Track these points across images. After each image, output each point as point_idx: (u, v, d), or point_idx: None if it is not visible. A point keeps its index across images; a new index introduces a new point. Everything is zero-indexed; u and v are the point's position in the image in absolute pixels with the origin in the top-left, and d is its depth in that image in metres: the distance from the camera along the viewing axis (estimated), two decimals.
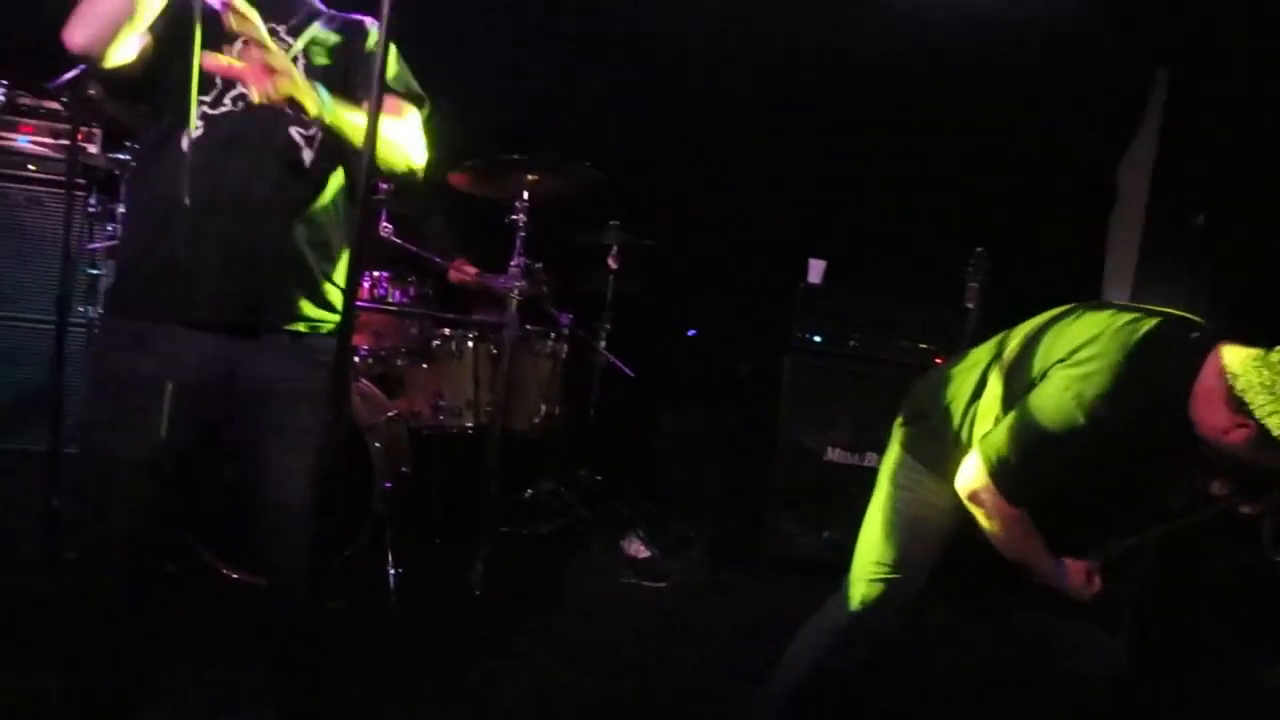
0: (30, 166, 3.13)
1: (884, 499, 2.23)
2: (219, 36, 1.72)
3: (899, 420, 2.30)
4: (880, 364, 4.18)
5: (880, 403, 3.62)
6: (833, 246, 4.51)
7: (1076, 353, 1.89)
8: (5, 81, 3.14)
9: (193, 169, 1.73)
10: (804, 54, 4.66)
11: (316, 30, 1.93)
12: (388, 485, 3.26)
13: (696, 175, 4.77)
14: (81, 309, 3.09)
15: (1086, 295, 4.98)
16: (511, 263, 3.66)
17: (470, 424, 3.79)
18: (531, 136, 4.24)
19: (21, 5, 3.46)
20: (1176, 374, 1.85)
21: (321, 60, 1.91)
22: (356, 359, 3.59)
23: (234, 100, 1.82)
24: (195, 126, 1.76)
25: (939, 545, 2.16)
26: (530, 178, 3.65)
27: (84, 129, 3.12)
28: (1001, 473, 1.91)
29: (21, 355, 3.10)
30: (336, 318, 1.91)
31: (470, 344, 3.82)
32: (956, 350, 3.96)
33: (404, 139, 1.93)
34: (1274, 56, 4.25)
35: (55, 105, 3.16)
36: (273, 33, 1.86)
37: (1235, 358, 1.79)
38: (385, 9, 1.46)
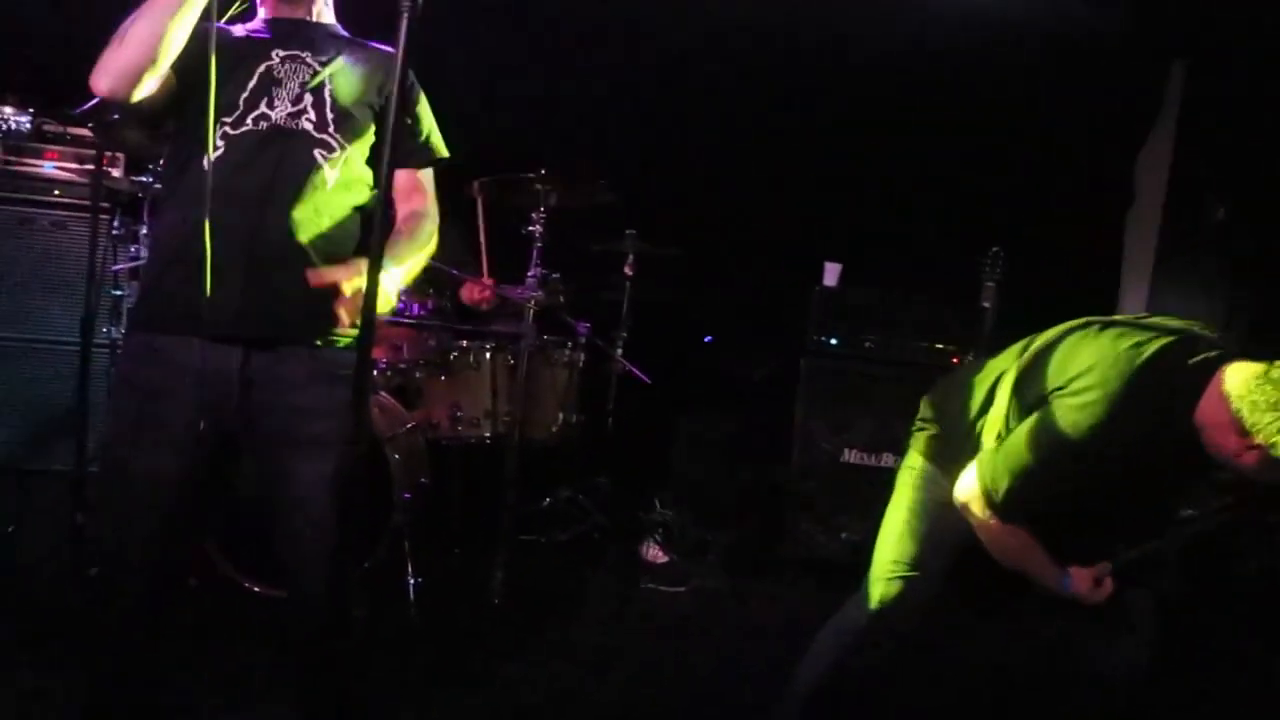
0: (56, 192, 3.23)
1: (901, 500, 2.26)
2: (235, 63, 1.83)
3: (917, 423, 2.33)
4: (896, 365, 4.20)
5: (897, 404, 3.62)
6: (848, 249, 4.53)
7: (1074, 381, 1.91)
8: (31, 110, 3.23)
9: (214, 188, 1.79)
10: (812, 55, 4.66)
11: (341, 64, 1.97)
12: (407, 496, 3.31)
13: (711, 182, 4.78)
14: (105, 330, 3.16)
15: (1104, 294, 5.04)
16: (529, 273, 3.71)
17: (488, 434, 3.82)
18: (545, 145, 4.30)
19: (45, 34, 3.55)
20: (1179, 398, 1.86)
21: (346, 91, 1.95)
22: (375, 372, 3.64)
23: (255, 120, 1.87)
24: (216, 147, 1.82)
25: (956, 546, 2.17)
26: (545, 188, 3.71)
27: (108, 154, 3.19)
28: (993, 492, 1.96)
29: (47, 376, 3.18)
30: (355, 331, 1.94)
31: (488, 355, 3.86)
32: (973, 350, 4.00)
33: (424, 254, 2.07)
34: None
35: (80, 131, 3.24)
36: (299, 60, 1.92)
37: (1237, 378, 1.79)
38: (400, 59, 1.53)
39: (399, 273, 1.95)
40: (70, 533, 2.95)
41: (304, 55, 1.93)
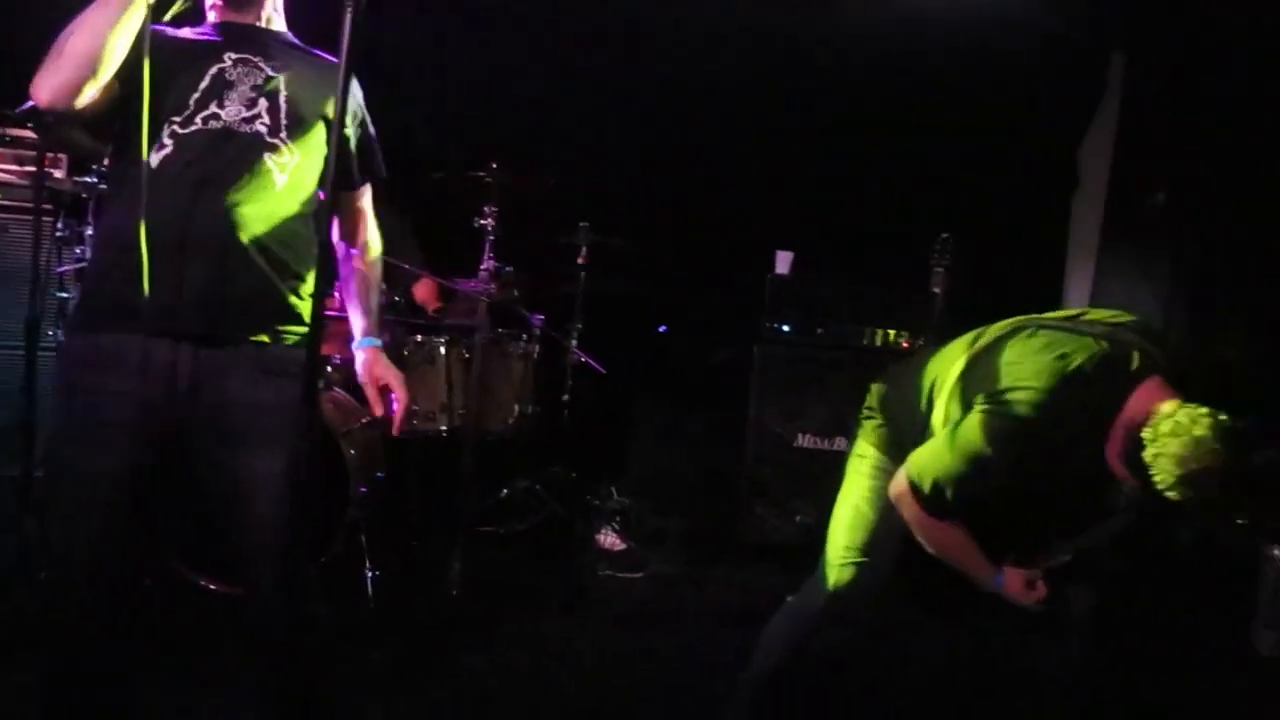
0: None
1: (853, 487, 2.32)
2: (185, 64, 1.85)
3: (865, 411, 2.39)
4: (848, 351, 4.29)
5: (849, 389, 3.68)
6: (799, 238, 4.59)
7: (1003, 390, 2.00)
8: None
9: (159, 186, 1.78)
10: (761, 46, 4.71)
11: (294, 71, 1.96)
12: (363, 490, 3.31)
13: (662, 172, 4.81)
14: (51, 333, 3.12)
15: (1050, 278, 5.11)
16: (481, 266, 3.71)
17: (444, 428, 3.83)
18: (497, 137, 4.29)
19: None
20: (1102, 408, 1.96)
21: (299, 99, 1.94)
22: (329, 368, 3.62)
23: (205, 120, 1.86)
24: (163, 145, 1.82)
25: (906, 535, 2.23)
26: (495, 182, 3.72)
27: (50, 155, 3.14)
28: (921, 488, 2.04)
29: None
30: (303, 329, 1.94)
31: (442, 349, 3.85)
32: (924, 335, 4.07)
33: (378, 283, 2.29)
34: (1228, 37, 4.34)
35: (20, 132, 3.19)
36: (252, 64, 1.91)
37: (1163, 412, 1.87)
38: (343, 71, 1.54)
39: (373, 323, 2.21)
40: (19, 537, 2.92)
41: (256, 60, 1.92)
